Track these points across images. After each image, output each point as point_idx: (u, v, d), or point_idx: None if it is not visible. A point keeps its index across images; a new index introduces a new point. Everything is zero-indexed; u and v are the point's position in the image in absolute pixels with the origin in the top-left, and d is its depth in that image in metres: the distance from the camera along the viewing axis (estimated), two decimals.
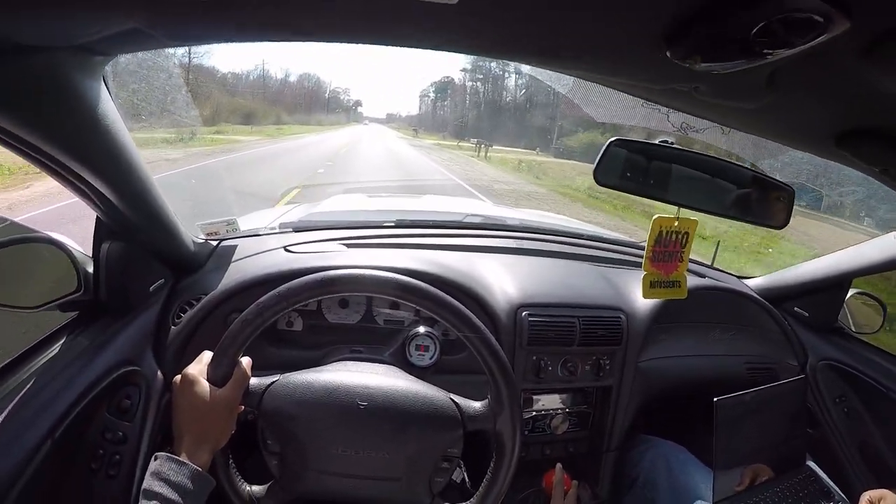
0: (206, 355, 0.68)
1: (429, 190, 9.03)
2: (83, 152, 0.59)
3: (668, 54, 0.38)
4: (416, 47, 0.50)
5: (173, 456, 0.60)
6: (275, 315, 0.67)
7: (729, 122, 0.65)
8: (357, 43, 0.49)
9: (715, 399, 0.91)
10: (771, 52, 0.34)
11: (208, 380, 0.65)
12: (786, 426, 1.04)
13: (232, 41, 0.51)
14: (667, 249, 0.79)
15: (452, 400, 0.70)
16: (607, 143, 0.71)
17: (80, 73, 0.51)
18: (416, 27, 0.43)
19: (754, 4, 0.31)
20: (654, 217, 0.77)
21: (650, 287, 0.80)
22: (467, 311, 0.70)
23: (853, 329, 1.27)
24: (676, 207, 0.76)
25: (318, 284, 0.67)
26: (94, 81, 0.54)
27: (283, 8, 0.39)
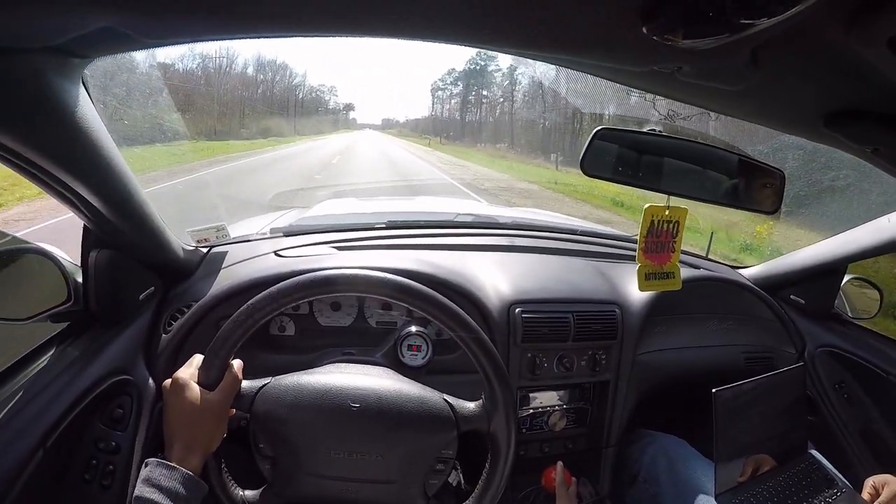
0: (197, 358, 0.67)
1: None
2: (64, 157, 0.58)
3: (644, 30, 0.37)
4: (388, 36, 0.49)
5: (164, 461, 0.59)
6: (265, 317, 0.66)
7: (714, 106, 0.64)
8: (328, 34, 0.48)
9: (713, 390, 0.90)
10: (750, 21, 0.33)
11: (199, 383, 0.64)
12: (786, 415, 1.03)
13: (216, 38, 0.50)
14: (659, 240, 0.78)
15: (446, 401, 0.69)
16: (593, 132, 0.70)
17: (59, 76, 0.50)
18: (380, 18, 0.42)
19: None
20: (645, 206, 0.76)
21: (646, 280, 0.79)
22: (460, 311, 0.69)
23: (850, 315, 1.26)
24: (666, 196, 0.75)
25: (308, 285, 0.66)
26: (73, 84, 0.53)
27: None
